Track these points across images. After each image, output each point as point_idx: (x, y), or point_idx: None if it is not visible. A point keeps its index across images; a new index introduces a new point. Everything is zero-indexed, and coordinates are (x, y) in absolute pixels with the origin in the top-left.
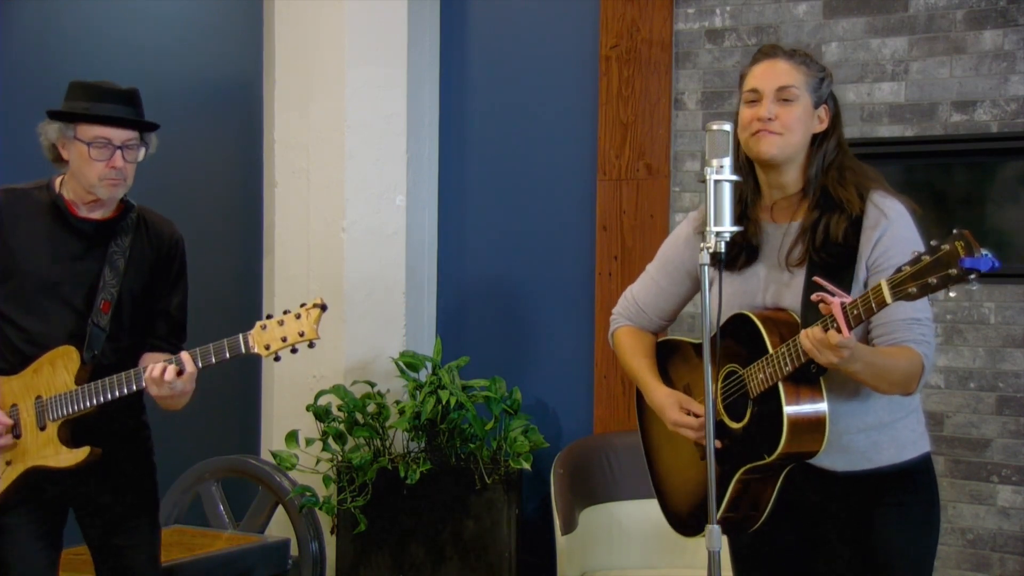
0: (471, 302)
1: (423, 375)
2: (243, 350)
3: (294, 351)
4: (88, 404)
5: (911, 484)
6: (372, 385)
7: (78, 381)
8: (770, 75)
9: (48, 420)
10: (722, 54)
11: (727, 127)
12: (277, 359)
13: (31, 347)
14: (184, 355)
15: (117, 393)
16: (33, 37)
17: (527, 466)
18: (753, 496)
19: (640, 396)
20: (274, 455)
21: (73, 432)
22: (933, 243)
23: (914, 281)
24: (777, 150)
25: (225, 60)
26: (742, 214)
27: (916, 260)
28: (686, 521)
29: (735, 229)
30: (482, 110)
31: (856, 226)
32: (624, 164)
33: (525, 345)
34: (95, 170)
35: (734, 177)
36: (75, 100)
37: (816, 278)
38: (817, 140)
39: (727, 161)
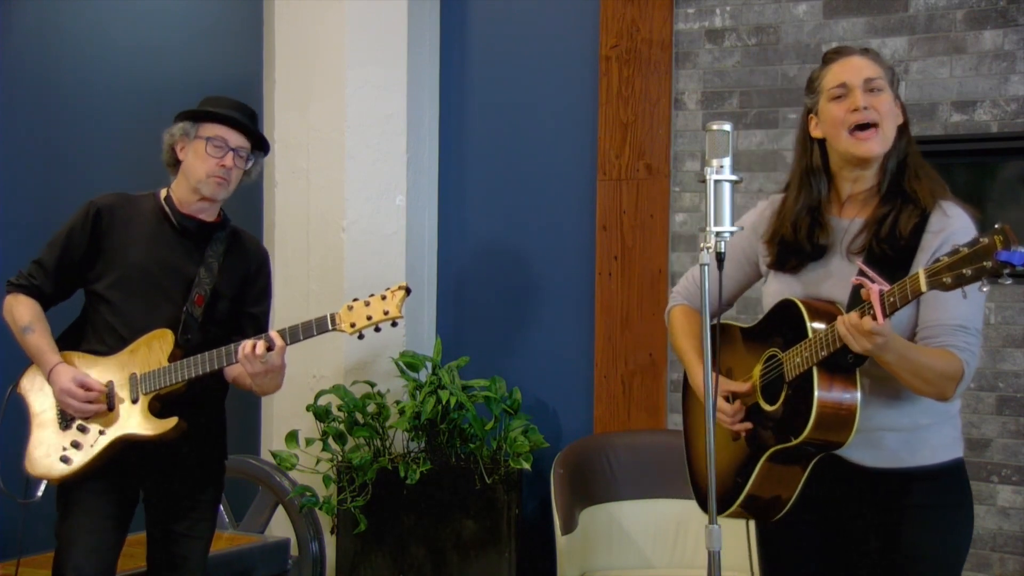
0: (471, 302)
1: (423, 375)
2: (330, 327)
3: (377, 330)
4: (179, 379)
5: (942, 487)
6: (372, 385)
7: (171, 360)
8: (854, 69)
9: (140, 393)
10: (722, 54)
11: (727, 127)
12: (361, 337)
13: (129, 331)
14: (273, 332)
15: (207, 368)
16: (33, 37)
17: (527, 466)
18: (779, 481)
19: (686, 375)
20: (274, 455)
21: (163, 408)
22: (975, 237)
23: (950, 271)
24: (880, 148)
25: (225, 60)
26: (813, 221)
27: (954, 252)
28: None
29: (735, 229)
30: (482, 110)
31: (922, 226)
32: (624, 164)
33: (525, 345)
34: (206, 165)
35: (734, 177)
36: (204, 106)
37: (861, 264)
38: (896, 134)
39: (727, 161)
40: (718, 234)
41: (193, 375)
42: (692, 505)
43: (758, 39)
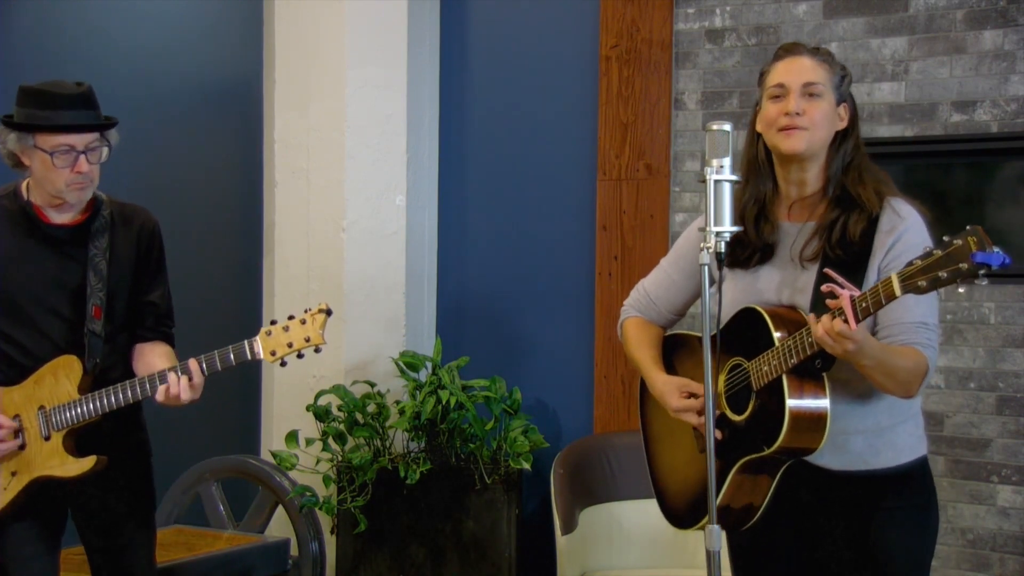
0: (471, 302)
1: (423, 375)
2: (249, 356)
3: (300, 356)
4: (93, 413)
5: (907, 488)
6: (372, 385)
7: (81, 390)
8: (795, 71)
9: (52, 430)
10: (722, 54)
11: (727, 127)
12: (283, 364)
13: (27, 359)
14: (191, 363)
15: (121, 401)
16: (33, 37)
17: (527, 466)
18: (750, 491)
19: (643, 389)
20: (274, 455)
21: (77, 441)
22: (945, 238)
23: (924, 275)
24: (805, 145)
25: (225, 60)
26: (759, 214)
27: (927, 254)
28: (682, 514)
29: (735, 229)
30: (482, 110)
31: (872, 227)
32: (624, 164)
33: (525, 345)
34: (61, 177)
35: (734, 177)
36: (29, 108)
37: (827, 270)
38: (837, 138)
39: (727, 161)
40: (718, 234)
41: (107, 408)
42: None
43: (758, 39)
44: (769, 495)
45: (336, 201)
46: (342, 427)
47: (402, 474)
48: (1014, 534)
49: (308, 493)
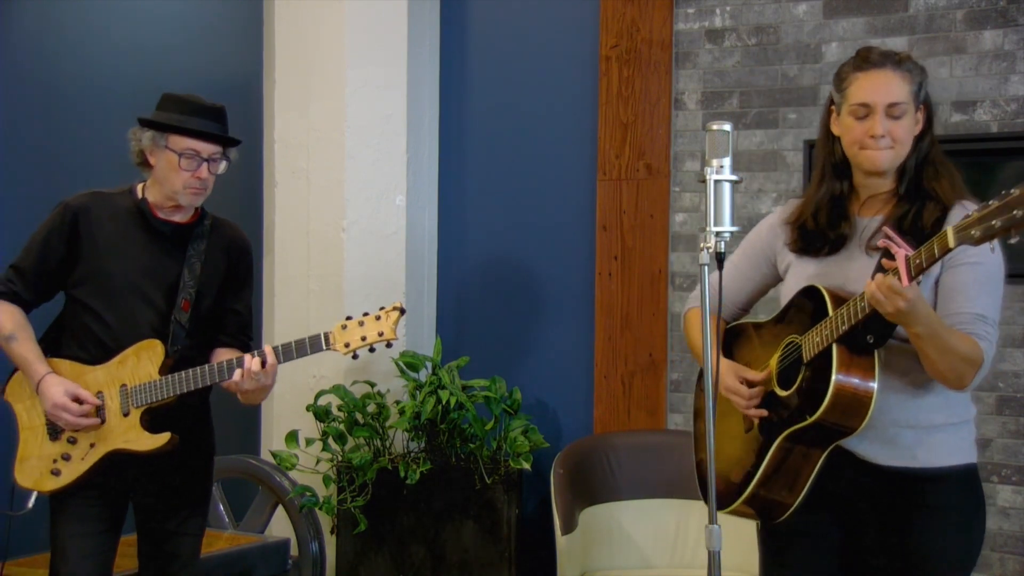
0: (471, 302)
1: (423, 375)
2: (324, 347)
3: (372, 350)
4: (171, 393)
5: (956, 489)
6: (372, 385)
7: (161, 372)
8: (882, 90)
9: (132, 407)
10: (722, 54)
11: (727, 127)
12: (355, 357)
13: (113, 341)
14: (266, 348)
15: (200, 384)
16: (33, 37)
17: (527, 466)
18: (790, 472)
19: (700, 375)
20: (274, 455)
21: (152, 423)
22: (1003, 192)
23: (979, 225)
24: (889, 164)
25: (225, 60)
26: (838, 212)
27: (984, 206)
28: (719, 492)
29: (735, 229)
30: (482, 110)
31: (942, 221)
32: (624, 164)
33: (525, 345)
34: (181, 179)
35: (734, 177)
36: (169, 112)
37: (885, 228)
38: (914, 141)
39: (727, 161)
40: (718, 234)
41: (185, 390)
42: (692, 505)
43: (758, 39)
44: (808, 484)
45: (336, 201)
46: (342, 427)
47: (402, 474)
48: (1014, 534)
49: (308, 493)
